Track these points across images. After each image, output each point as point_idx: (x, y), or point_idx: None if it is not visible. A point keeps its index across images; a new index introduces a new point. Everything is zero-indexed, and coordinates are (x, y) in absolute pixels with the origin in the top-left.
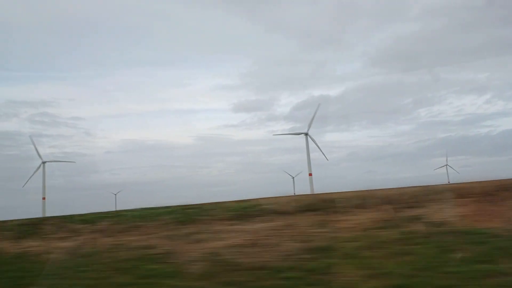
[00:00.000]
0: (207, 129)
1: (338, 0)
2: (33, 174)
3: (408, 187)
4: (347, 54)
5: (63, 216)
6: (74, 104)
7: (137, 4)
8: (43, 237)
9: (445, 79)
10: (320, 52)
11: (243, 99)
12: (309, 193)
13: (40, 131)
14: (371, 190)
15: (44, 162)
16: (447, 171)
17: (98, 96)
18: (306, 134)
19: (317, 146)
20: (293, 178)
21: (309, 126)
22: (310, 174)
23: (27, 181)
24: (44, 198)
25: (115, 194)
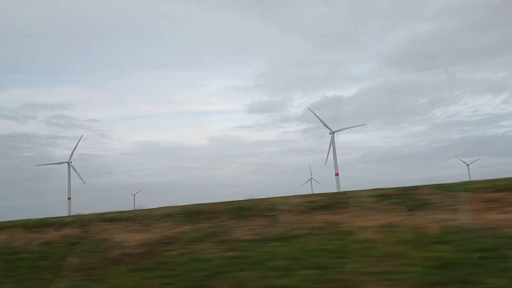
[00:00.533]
0: (220, 130)
1: (353, 0)
2: (51, 163)
3: None
4: (362, 54)
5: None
6: (89, 106)
7: (150, 7)
8: (445, 209)
9: (461, 78)
10: (334, 53)
11: (257, 100)
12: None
13: (56, 133)
14: None
15: (68, 163)
16: (468, 171)
17: (113, 98)
18: (333, 133)
19: (330, 148)
20: (310, 179)
21: (340, 129)
22: (337, 174)
23: (43, 164)
24: (69, 198)
25: (134, 195)
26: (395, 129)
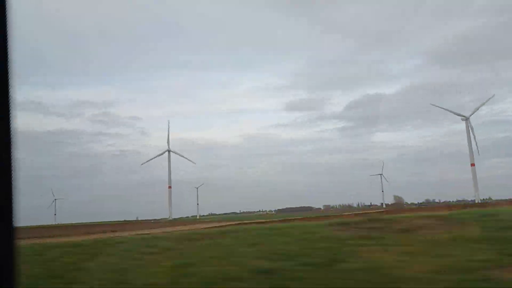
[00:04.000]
0: (257, 128)
1: None
2: (154, 157)
3: None
4: (406, 52)
5: None
6: (132, 104)
7: (189, 8)
8: None
9: (508, 76)
10: (377, 51)
11: (295, 99)
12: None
13: (100, 130)
14: None
15: (169, 151)
16: None
17: (153, 97)
18: (467, 119)
19: (473, 135)
20: (381, 175)
21: (473, 112)
22: (473, 165)
23: (147, 161)
24: (170, 187)
25: (197, 188)
26: (436, 128)
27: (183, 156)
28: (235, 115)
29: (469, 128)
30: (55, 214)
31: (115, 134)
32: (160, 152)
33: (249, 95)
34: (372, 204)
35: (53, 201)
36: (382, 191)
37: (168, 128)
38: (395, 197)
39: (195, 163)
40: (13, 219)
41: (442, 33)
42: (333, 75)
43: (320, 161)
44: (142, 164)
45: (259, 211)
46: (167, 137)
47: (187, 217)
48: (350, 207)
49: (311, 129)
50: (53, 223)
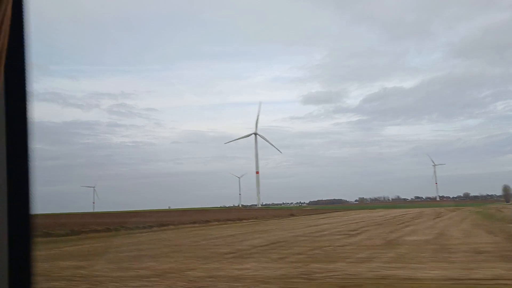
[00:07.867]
0: (271, 121)
1: None
2: (240, 138)
3: None
4: (429, 45)
5: None
6: (149, 96)
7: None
8: None
9: None
10: (401, 43)
11: (313, 91)
12: None
13: (116, 121)
14: None
15: (256, 134)
16: None
17: (169, 89)
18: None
19: None
20: (434, 165)
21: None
22: None
23: (232, 141)
24: (257, 172)
25: (239, 178)
26: (451, 122)
27: (269, 142)
28: (250, 107)
29: None
30: (93, 202)
31: (130, 125)
32: (247, 134)
33: (266, 87)
34: (426, 197)
35: (93, 189)
36: (436, 183)
37: (259, 111)
38: (505, 187)
39: (281, 152)
40: (29, 219)
41: (471, 25)
42: (353, 68)
43: (329, 155)
44: (226, 143)
45: (283, 203)
46: (256, 120)
47: (253, 205)
48: (384, 200)
49: (326, 122)
50: (91, 210)
